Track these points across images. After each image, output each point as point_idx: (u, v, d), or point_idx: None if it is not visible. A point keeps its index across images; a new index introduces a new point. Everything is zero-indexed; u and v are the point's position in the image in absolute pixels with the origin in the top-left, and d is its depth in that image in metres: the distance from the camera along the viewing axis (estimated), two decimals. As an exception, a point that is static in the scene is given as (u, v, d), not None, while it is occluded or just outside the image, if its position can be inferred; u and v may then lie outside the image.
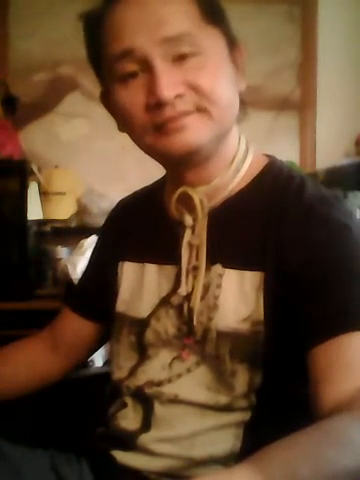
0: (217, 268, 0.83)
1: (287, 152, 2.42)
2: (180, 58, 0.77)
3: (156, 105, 0.77)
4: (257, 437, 0.66)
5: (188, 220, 0.86)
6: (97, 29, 0.82)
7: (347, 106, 2.59)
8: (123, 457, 0.86)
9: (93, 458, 0.92)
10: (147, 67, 0.77)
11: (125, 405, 0.89)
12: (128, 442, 0.86)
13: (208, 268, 0.83)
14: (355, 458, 0.56)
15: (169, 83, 0.76)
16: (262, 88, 2.50)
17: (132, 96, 0.79)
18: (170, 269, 0.88)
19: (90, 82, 2.44)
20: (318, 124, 2.59)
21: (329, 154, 2.52)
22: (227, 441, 0.81)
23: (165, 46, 0.76)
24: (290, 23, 2.58)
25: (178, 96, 0.77)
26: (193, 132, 0.78)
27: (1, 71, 2.47)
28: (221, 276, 0.82)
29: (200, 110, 0.78)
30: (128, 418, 0.88)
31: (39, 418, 1.08)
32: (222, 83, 0.80)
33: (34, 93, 2.50)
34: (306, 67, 2.59)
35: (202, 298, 0.82)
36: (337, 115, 2.58)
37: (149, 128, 0.79)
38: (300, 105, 2.60)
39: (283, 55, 2.57)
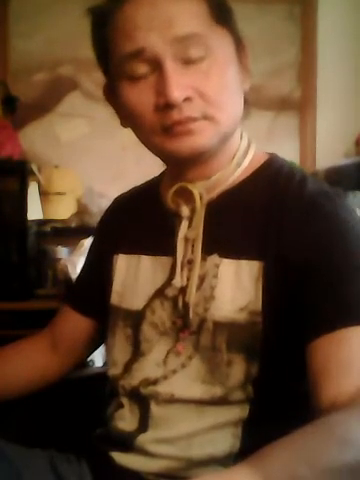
0: (214, 258, 0.83)
1: (287, 152, 2.41)
2: (190, 60, 0.78)
3: (165, 106, 0.77)
4: (256, 436, 0.66)
5: (185, 211, 0.86)
6: (105, 25, 0.81)
7: (347, 106, 2.59)
8: (121, 458, 0.86)
9: (92, 459, 0.92)
10: (157, 67, 0.77)
11: (121, 405, 0.89)
12: (126, 443, 0.86)
13: (204, 258, 0.83)
14: (354, 456, 0.55)
15: (179, 85, 0.76)
16: (262, 88, 2.50)
17: (141, 96, 0.79)
18: (165, 260, 0.88)
19: (90, 82, 2.47)
20: (318, 124, 2.60)
21: (329, 154, 2.53)
22: (226, 440, 0.81)
23: (176, 46, 0.77)
24: (290, 23, 2.58)
25: (187, 99, 0.77)
26: (199, 136, 0.79)
27: (1, 71, 2.47)
28: (218, 266, 0.82)
29: (206, 117, 0.79)
30: (125, 419, 0.88)
31: (39, 418, 1.07)
32: (229, 88, 0.80)
33: (34, 93, 2.50)
34: (306, 67, 2.59)
35: (198, 289, 0.82)
36: (337, 115, 2.58)
37: (157, 129, 0.79)
38: (300, 105, 2.60)
39: (283, 55, 2.58)
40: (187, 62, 0.77)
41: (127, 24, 0.79)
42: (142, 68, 0.78)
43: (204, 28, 0.78)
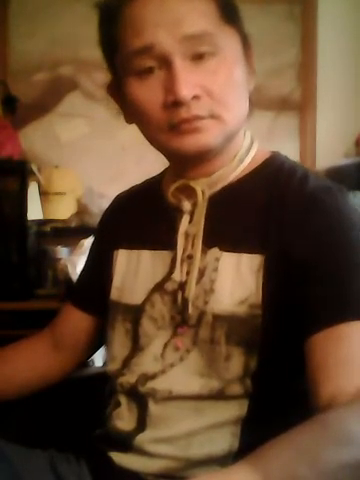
0: (214, 252, 0.83)
1: (287, 152, 2.41)
2: (198, 57, 0.78)
3: (173, 104, 0.77)
4: (255, 435, 0.65)
5: (186, 206, 0.86)
6: (113, 21, 0.81)
7: (347, 106, 2.59)
8: (120, 459, 0.86)
9: (92, 459, 0.92)
10: (165, 64, 0.78)
11: (119, 404, 0.89)
12: (125, 443, 0.86)
13: (205, 252, 0.83)
14: (353, 454, 0.55)
15: (187, 82, 0.77)
16: (262, 88, 2.50)
17: (149, 93, 0.79)
18: (166, 254, 0.88)
19: (90, 82, 2.47)
20: (318, 124, 2.59)
21: (329, 154, 2.52)
22: (225, 440, 0.81)
23: (185, 44, 0.77)
24: (290, 23, 2.58)
25: (195, 97, 0.77)
26: (205, 134, 0.79)
27: (1, 71, 2.47)
28: (218, 260, 0.82)
29: (213, 116, 0.79)
30: (123, 418, 0.88)
31: (39, 418, 1.07)
32: (236, 87, 0.81)
33: (34, 93, 2.50)
34: (306, 67, 2.59)
35: (198, 282, 0.83)
36: (337, 115, 2.58)
37: (164, 126, 0.80)
38: (300, 105, 2.60)
39: (283, 55, 2.58)
40: (196, 60, 0.78)
41: (136, 20, 0.79)
42: (150, 64, 0.78)
43: (213, 27, 0.79)
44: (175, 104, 0.77)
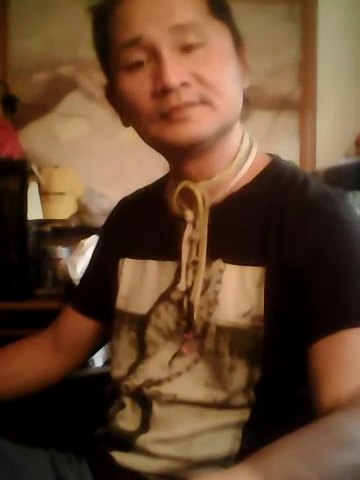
0: (218, 263, 0.83)
1: (287, 152, 2.41)
2: (187, 48, 0.78)
3: (162, 92, 0.77)
4: (256, 438, 0.66)
5: (189, 215, 0.86)
6: (106, 19, 0.82)
7: (347, 106, 2.59)
8: (122, 458, 0.86)
9: (93, 458, 0.92)
10: (154, 55, 0.78)
11: (123, 406, 0.89)
12: (127, 443, 0.86)
13: (209, 263, 0.83)
14: (355, 457, 0.55)
15: (175, 70, 0.76)
16: (262, 88, 2.50)
17: (139, 84, 0.79)
18: (170, 265, 0.88)
19: (90, 82, 2.47)
20: (318, 124, 2.60)
21: (329, 154, 2.52)
22: (226, 442, 0.81)
23: (173, 35, 0.77)
24: (290, 23, 2.58)
25: (184, 85, 0.77)
26: (197, 123, 0.79)
27: (1, 71, 2.47)
28: (222, 271, 0.82)
29: (204, 102, 0.79)
30: (127, 419, 0.88)
31: (39, 418, 1.07)
32: (227, 76, 0.80)
33: (34, 93, 2.50)
34: (306, 67, 2.59)
35: (202, 293, 0.82)
36: (337, 115, 2.58)
37: (155, 116, 0.79)
38: (300, 105, 2.60)
39: (283, 55, 2.58)
40: (184, 51, 0.78)
41: (126, 15, 0.80)
42: (139, 57, 0.79)
43: (201, 19, 0.79)
44: (164, 92, 0.77)
